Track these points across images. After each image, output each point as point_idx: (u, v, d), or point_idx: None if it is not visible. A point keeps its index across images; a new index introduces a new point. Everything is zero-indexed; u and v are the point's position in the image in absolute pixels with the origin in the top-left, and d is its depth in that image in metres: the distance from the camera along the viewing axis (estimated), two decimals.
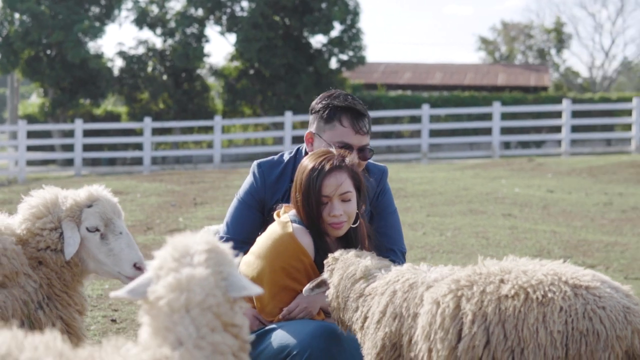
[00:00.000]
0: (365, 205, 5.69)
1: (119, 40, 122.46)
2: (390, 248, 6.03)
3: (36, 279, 5.11)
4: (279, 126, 41.94)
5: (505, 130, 39.00)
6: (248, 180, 6.24)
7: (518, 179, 24.16)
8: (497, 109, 36.78)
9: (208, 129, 43.08)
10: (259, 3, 43.94)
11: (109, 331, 8.50)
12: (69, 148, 39.58)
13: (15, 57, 43.79)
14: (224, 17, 45.80)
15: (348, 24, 45.05)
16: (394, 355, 4.63)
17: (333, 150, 5.64)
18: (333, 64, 45.88)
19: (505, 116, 38.74)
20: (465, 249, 13.53)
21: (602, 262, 12.50)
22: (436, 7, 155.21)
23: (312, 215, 5.46)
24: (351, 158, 5.59)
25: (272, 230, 5.55)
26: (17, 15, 43.82)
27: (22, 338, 2.82)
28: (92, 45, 44.78)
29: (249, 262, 5.54)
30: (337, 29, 45.22)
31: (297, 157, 6.19)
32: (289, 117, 37.51)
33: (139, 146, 41.18)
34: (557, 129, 39.90)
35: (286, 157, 6.26)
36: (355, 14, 45.14)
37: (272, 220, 5.75)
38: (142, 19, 44.81)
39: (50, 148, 43.74)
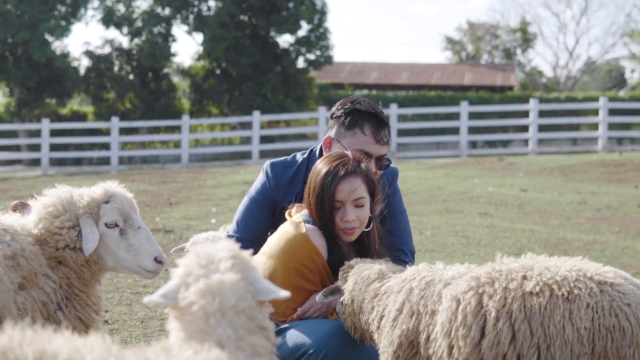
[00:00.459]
0: (379, 208, 5.66)
1: (85, 39, 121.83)
2: (400, 248, 6.02)
3: (55, 279, 5.04)
4: (246, 126, 41.86)
5: (472, 130, 39.15)
6: (260, 179, 6.18)
7: (490, 178, 24.26)
8: (464, 108, 36.97)
9: (175, 129, 42.94)
10: (225, 2, 43.82)
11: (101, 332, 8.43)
12: (36, 148, 39.27)
13: None
14: (191, 17, 45.64)
15: (315, 23, 45.02)
16: (411, 352, 4.62)
17: (348, 153, 5.59)
18: (300, 63, 45.84)
19: (472, 115, 38.89)
20: (446, 248, 13.55)
21: None
22: (401, 6, 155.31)
23: (325, 219, 5.42)
24: (367, 163, 5.57)
25: (285, 230, 5.51)
26: None
27: (76, 341, 2.79)
28: (59, 45, 44.47)
29: (260, 262, 5.49)
30: (304, 28, 45.19)
31: (310, 159, 6.14)
32: (257, 117, 37.46)
33: (105, 146, 40.94)
34: (524, 128, 40.10)
35: (299, 158, 6.21)
36: (323, 13, 45.12)
37: (283, 221, 5.71)
38: (109, 18, 44.56)
39: (17, 148, 43.37)
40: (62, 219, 5.10)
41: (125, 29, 45.02)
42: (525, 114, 38.13)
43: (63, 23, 43.86)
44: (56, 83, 44.03)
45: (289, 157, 6.25)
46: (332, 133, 6.02)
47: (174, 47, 72.54)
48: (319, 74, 49.58)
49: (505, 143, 43.98)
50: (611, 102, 38.98)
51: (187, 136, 37.57)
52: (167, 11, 45.18)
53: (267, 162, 6.20)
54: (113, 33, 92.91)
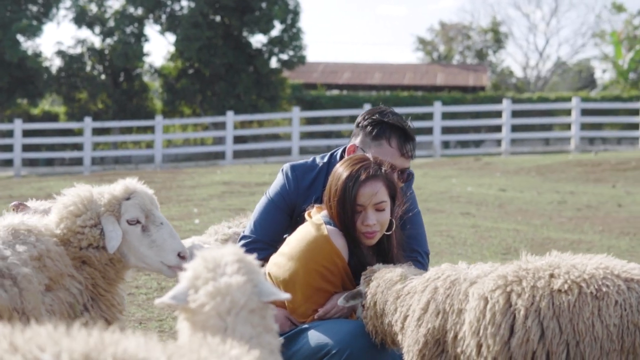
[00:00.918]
0: (400, 211, 5.66)
1: (57, 39, 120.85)
2: (414, 249, 6.03)
3: (81, 280, 4.99)
4: (219, 126, 41.76)
5: (445, 130, 39.25)
6: (279, 181, 6.15)
7: (467, 178, 24.35)
8: (438, 108, 37.10)
9: (147, 129, 42.82)
10: (198, 2, 43.71)
11: None
12: (8, 148, 38.98)
13: None
14: (164, 16, 45.49)
15: (288, 23, 44.98)
16: (437, 351, 4.64)
17: (369, 156, 5.58)
18: (273, 63, 45.76)
19: (445, 116, 39.02)
20: (433, 248, 13.48)
21: None
22: (370, 6, 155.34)
23: (346, 222, 5.41)
24: (388, 166, 5.56)
25: (306, 232, 5.48)
26: None
27: (122, 338, 2.78)
28: (30, 45, 44.16)
29: (279, 263, 5.48)
30: (277, 28, 45.13)
31: (330, 164, 6.14)
32: (230, 117, 37.44)
33: (77, 146, 40.77)
34: (496, 128, 40.26)
35: (319, 161, 6.20)
36: (296, 13, 45.08)
37: (300, 223, 5.70)
38: (81, 18, 44.29)
39: None
40: (83, 218, 5.06)
41: (97, 29, 44.77)
42: (498, 114, 38.31)
43: (35, 23, 43.58)
44: (28, 83, 43.71)
45: (308, 161, 6.25)
46: (357, 141, 6.02)
47: (147, 47, 72.07)
48: (292, 74, 49.55)
49: (477, 143, 44.15)
50: (584, 102, 39.23)
51: (160, 136, 37.48)
52: (139, 11, 44.98)
53: (287, 165, 6.19)
54: (85, 33, 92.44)
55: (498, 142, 40.63)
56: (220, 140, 40.92)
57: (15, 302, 4.56)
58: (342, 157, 6.11)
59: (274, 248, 5.75)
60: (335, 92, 53.31)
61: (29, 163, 40.32)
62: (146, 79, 49.30)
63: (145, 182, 5.40)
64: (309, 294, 5.44)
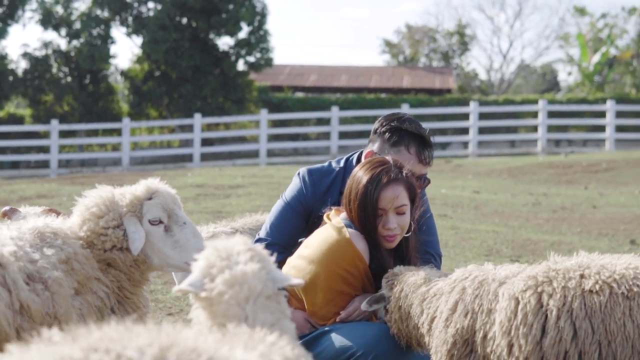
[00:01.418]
0: (418, 214, 5.67)
1: (23, 41, 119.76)
2: (427, 251, 6.05)
3: (107, 283, 4.94)
4: (186, 128, 41.62)
5: None
6: (296, 185, 6.16)
7: (440, 180, 24.42)
8: (405, 111, 37.17)
9: (114, 131, 42.62)
10: (165, 4, 43.52)
11: None
12: None
13: None
14: (130, 19, 45.25)
15: (255, 25, 44.88)
16: (465, 351, 4.66)
17: (389, 159, 5.58)
18: (240, 66, 45.67)
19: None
20: None
21: None
22: (333, 9, 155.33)
23: (367, 226, 5.41)
24: (407, 170, 5.57)
25: (328, 235, 5.47)
26: None
27: (176, 333, 2.79)
28: None
29: (299, 266, 5.46)
30: (244, 30, 45.00)
31: (346, 169, 6.16)
32: (198, 120, 37.39)
33: (43, 149, 40.48)
34: (463, 131, 40.41)
35: (334, 166, 6.22)
36: (263, 15, 44.99)
37: (315, 227, 5.70)
38: (47, 20, 43.90)
39: None
40: (106, 219, 5.00)
41: (63, 31, 44.40)
42: (464, 117, 38.50)
43: (0, 24, 43.24)
44: None
45: (325, 165, 6.26)
46: (374, 148, 6.06)
47: (113, 49, 71.51)
48: (258, 77, 49.46)
49: (444, 145, 44.27)
50: (550, 104, 39.53)
51: (127, 139, 37.33)
52: (106, 13, 44.68)
53: (304, 169, 6.20)
54: (51, 35, 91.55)
55: (465, 145, 40.77)
56: (187, 143, 40.81)
57: (48, 306, 4.52)
58: (358, 161, 6.12)
59: (290, 252, 5.75)
60: (302, 94, 53.29)
61: None
62: (112, 81, 49.04)
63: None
64: (330, 296, 5.44)
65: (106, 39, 44.34)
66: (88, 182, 24.92)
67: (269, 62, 45.49)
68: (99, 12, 44.55)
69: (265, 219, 6.26)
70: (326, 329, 5.40)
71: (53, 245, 4.75)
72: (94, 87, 45.43)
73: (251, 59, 45.45)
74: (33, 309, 4.44)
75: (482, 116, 39.18)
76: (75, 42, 44.56)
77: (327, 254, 5.39)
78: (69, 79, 45.16)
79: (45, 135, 40.64)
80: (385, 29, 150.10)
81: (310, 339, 5.34)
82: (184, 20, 44.79)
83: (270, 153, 40.09)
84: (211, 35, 45.09)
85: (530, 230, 15.66)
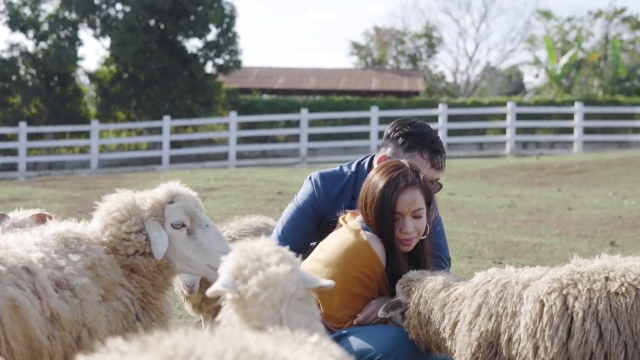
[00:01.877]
0: (433, 216, 5.70)
1: None
2: (438, 255, 6.08)
3: (131, 289, 4.88)
4: (154, 131, 41.45)
5: (381, 135, 39.45)
6: (308, 190, 6.16)
7: None
8: (375, 113, 37.37)
9: (81, 134, 42.42)
10: (134, 6, 43.29)
11: None
12: None
13: None
14: (98, 21, 45.00)
15: (224, 28, 44.77)
16: (490, 354, 4.68)
17: (405, 163, 5.60)
18: (209, 68, 45.55)
19: (381, 121, 39.21)
20: None
21: (536, 263, 12.74)
22: (299, 11, 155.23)
23: (385, 230, 5.43)
24: (423, 172, 5.60)
25: (345, 238, 5.47)
26: None
27: (240, 338, 2.79)
28: None
29: (315, 269, 5.45)
30: (213, 33, 44.89)
31: (358, 173, 6.17)
32: (167, 122, 37.32)
33: (10, 152, 40.19)
34: None
35: (346, 170, 6.23)
36: (232, 17, 44.87)
37: (327, 232, 5.71)
38: (15, 22, 43.56)
39: None
40: (128, 224, 4.93)
41: (31, 33, 44.07)
42: (433, 119, 38.62)
43: None
44: None
45: (337, 169, 6.28)
46: (387, 153, 6.10)
47: (81, 52, 71.13)
48: (227, 79, 49.39)
49: None
50: (519, 107, 39.78)
51: (96, 142, 37.21)
52: (74, 15, 44.39)
53: (316, 174, 6.20)
54: (19, 37, 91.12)
55: None
56: (156, 146, 40.69)
57: (77, 314, 4.48)
58: (370, 166, 6.14)
59: (301, 257, 5.75)
60: (271, 97, 53.24)
61: None
62: (80, 83, 48.75)
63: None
64: (347, 300, 5.44)
65: (74, 41, 44.04)
66: (60, 186, 24.80)
67: (237, 65, 45.39)
68: (67, 14, 44.23)
69: (278, 223, 6.26)
70: (344, 332, 5.40)
71: (78, 252, 4.70)
72: (62, 89, 45.13)
73: (220, 61, 45.35)
74: (63, 317, 4.40)
75: (451, 118, 39.38)
76: (43, 44, 44.23)
77: (345, 256, 5.40)
78: (36, 81, 44.83)
79: (13, 138, 40.33)
80: (352, 31, 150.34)
81: None
82: (153, 23, 44.59)
83: (240, 156, 40.04)
84: (180, 38, 44.92)
85: (510, 232, 15.75)
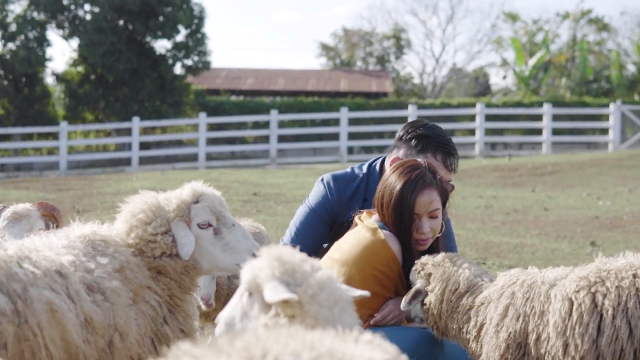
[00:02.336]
0: (447, 215, 5.74)
1: None
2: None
3: (159, 291, 4.83)
4: (122, 132, 41.28)
5: (350, 136, 39.57)
6: (320, 191, 6.17)
7: None
8: (344, 114, 37.45)
9: (49, 135, 42.17)
10: (102, 7, 43.07)
11: None
12: None
13: None
14: (67, 21, 44.73)
15: (193, 28, 44.66)
16: (519, 354, 4.73)
17: (422, 162, 5.63)
18: (178, 69, 45.39)
19: (350, 121, 39.29)
20: None
21: (519, 263, 12.84)
22: (265, 12, 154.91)
23: (402, 230, 5.46)
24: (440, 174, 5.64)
25: (362, 237, 5.49)
26: None
27: (307, 335, 2.82)
28: None
29: (331, 268, 5.47)
30: (182, 33, 44.75)
31: (369, 175, 6.19)
32: (136, 123, 37.22)
33: None
34: None
35: (358, 172, 6.26)
36: (200, 18, 44.76)
37: (339, 233, 5.73)
38: None
39: None
40: (154, 225, 4.87)
41: None
42: (402, 120, 38.68)
43: None
44: None
45: (348, 170, 6.30)
46: (400, 154, 6.14)
47: (49, 52, 70.61)
48: (195, 80, 49.27)
49: (381, 149, 44.50)
50: (487, 108, 39.97)
51: (65, 143, 37.03)
52: (42, 16, 44.10)
53: (328, 175, 6.22)
54: None
55: None
56: (124, 147, 40.52)
57: (109, 317, 4.44)
58: (381, 168, 6.18)
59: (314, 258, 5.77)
60: (239, 98, 53.15)
61: None
62: (48, 83, 48.42)
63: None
64: (365, 299, 5.45)
65: (42, 41, 43.75)
66: (32, 187, 24.65)
67: (206, 66, 45.29)
68: (35, 14, 43.93)
69: (290, 224, 6.27)
70: None
71: (105, 254, 4.66)
72: (30, 90, 44.80)
73: (189, 62, 45.22)
74: (96, 321, 4.36)
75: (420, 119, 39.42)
76: (10, 45, 43.92)
77: (362, 255, 5.42)
78: (4, 82, 44.48)
79: None
80: (318, 32, 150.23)
81: None
82: (121, 23, 44.37)
83: (209, 157, 39.98)
84: (148, 38, 44.74)
85: (489, 233, 15.84)
